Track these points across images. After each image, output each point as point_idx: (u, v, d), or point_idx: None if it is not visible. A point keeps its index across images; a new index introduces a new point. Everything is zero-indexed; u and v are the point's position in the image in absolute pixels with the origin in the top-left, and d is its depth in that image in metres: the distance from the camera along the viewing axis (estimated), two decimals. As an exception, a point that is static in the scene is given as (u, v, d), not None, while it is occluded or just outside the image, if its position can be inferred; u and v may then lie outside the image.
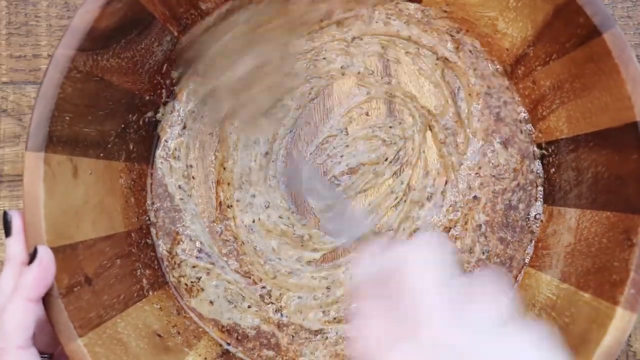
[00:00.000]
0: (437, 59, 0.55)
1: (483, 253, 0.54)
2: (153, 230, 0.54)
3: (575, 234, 0.49)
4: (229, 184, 0.54)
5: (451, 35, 0.55)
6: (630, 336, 0.56)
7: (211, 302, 0.53)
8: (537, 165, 0.54)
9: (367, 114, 0.55)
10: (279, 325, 0.53)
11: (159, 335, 0.49)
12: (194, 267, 0.54)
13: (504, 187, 0.54)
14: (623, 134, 0.44)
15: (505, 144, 0.54)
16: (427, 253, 0.36)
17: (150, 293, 0.51)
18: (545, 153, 0.53)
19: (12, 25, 0.57)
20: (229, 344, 0.53)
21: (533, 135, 0.54)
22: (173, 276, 0.54)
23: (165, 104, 0.54)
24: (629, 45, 0.43)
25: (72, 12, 0.57)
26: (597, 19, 0.44)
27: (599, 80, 0.45)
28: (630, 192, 0.44)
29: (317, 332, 0.53)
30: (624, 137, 0.44)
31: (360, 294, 0.38)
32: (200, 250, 0.54)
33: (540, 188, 0.54)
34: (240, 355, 0.53)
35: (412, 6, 0.55)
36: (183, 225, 0.54)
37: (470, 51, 0.55)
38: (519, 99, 0.54)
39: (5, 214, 0.41)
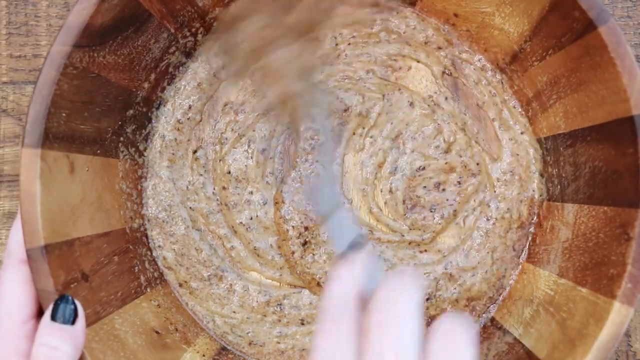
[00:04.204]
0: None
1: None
2: (150, 227, 0.54)
3: (573, 229, 0.49)
4: (226, 180, 0.54)
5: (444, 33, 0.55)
6: (630, 336, 0.56)
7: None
8: (534, 161, 0.54)
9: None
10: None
11: (157, 332, 0.50)
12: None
13: (501, 184, 0.54)
14: (619, 128, 0.44)
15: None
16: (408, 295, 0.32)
17: (148, 290, 0.51)
18: (542, 149, 0.53)
19: (12, 25, 0.57)
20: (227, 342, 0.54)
21: (530, 131, 0.54)
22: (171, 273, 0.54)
23: (161, 100, 0.54)
24: (625, 39, 0.43)
25: (69, 12, 0.57)
26: (592, 13, 0.44)
27: (595, 74, 0.45)
28: (626, 186, 0.44)
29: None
30: (620, 131, 0.44)
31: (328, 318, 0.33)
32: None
33: (537, 184, 0.54)
34: (238, 353, 0.53)
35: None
36: (181, 220, 0.54)
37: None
38: (515, 95, 0.54)
39: None
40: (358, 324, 0.32)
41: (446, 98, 0.55)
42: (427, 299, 0.54)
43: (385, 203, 0.54)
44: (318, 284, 0.54)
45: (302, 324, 0.54)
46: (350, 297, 0.32)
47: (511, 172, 0.54)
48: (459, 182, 0.54)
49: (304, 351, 0.53)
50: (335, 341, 0.32)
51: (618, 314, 0.42)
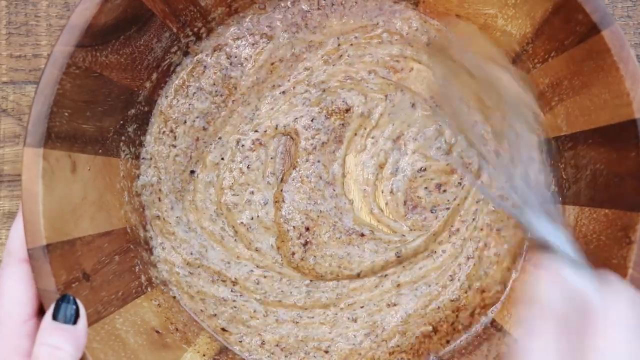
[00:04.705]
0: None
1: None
2: (151, 227, 0.54)
3: (574, 231, 0.49)
4: (227, 180, 0.54)
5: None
6: (630, 336, 0.56)
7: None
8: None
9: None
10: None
11: (158, 332, 0.49)
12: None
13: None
14: (621, 131, 0.44)
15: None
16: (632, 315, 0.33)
17: (149, 289, 0.51)
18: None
19: (12, 25, 0.57)
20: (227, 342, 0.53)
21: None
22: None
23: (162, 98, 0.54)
24: (628, 42, 0.44)
25: (72, 12, 0.57)
26: (596, 16, 0.44)
27: (597, 78, 0.45)
28: (628, 189, 0.44)
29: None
30: (623, 135, 0.44)
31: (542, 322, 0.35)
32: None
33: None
34: (239, 352, 0.53)
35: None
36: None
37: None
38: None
39: None
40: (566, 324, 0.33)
41: (448, 99, 0.55)
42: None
43: (386, 204, 0.54)
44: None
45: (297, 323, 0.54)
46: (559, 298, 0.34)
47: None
48: (460, 184, 0.54)
49: (304, 349, 0.54)
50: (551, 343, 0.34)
51: (619, 317, 0.42)
